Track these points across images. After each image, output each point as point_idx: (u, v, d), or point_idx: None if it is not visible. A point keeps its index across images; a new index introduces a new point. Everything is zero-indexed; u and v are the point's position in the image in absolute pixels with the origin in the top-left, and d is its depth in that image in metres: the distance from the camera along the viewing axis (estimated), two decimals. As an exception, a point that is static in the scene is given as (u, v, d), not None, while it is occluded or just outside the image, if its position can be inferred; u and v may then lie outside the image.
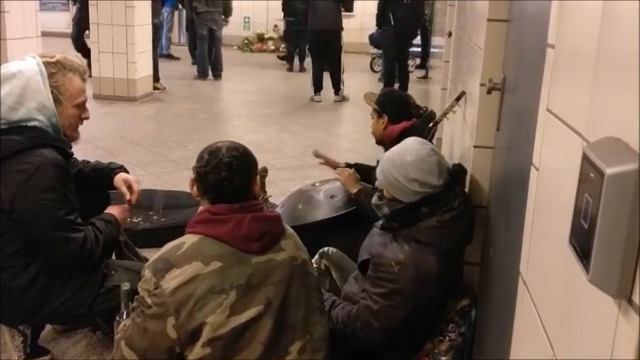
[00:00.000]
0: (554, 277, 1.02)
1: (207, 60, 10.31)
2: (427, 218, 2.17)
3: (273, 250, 1.90)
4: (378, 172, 2.30)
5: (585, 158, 0.77)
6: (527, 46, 1.84)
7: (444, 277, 2.17)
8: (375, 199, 2.35)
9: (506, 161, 2.15)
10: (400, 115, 3.28)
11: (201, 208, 1.96)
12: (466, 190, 2.44)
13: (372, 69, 11.87)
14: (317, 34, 8.92)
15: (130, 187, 2.64)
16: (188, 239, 1.85)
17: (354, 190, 3.19)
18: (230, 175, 1.87)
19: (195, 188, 1.95)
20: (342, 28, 8.95)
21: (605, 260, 0.71)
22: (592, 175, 0.74)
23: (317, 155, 3.78)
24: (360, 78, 10.87)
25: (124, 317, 2.06)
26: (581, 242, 0.77)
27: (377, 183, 2.36)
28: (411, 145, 2.26)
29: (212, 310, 1.76)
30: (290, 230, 2.04)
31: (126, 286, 2.13)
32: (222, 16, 10.44)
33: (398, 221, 2.21)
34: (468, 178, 2.48)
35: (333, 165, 3.65)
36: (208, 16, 10.10)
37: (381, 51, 10.81)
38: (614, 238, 0.70)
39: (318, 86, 9.01)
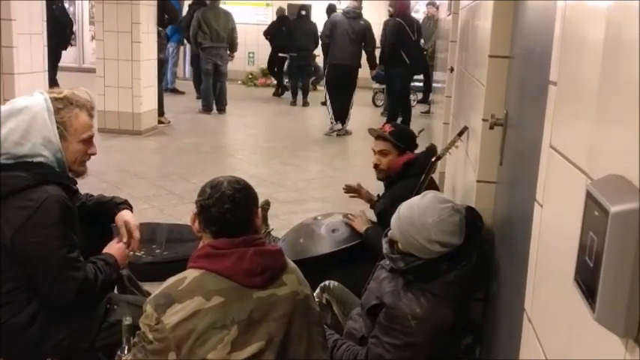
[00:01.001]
0: (560, 315, 1.02)
1: (212, 94, 10.39)
2: (445, 274, 2.14)
3: (275, 284, 1.89)
4: (394, 226, 2.23)
5: (589, 196, 0.77)
6: (529, 83, 1.86)
7: (459, 323, 2.17)
8: (386, 250, 2.30)
9: (509, 196, 2.15)
10: (414, 147, 3.33)
11: (202, 243, 1.96)
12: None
13: (374, 103, 11.95)
14: (335, 68, 9.06)
15: (129, 232, 2.57)
16: (190, 274, 1.85)
17: (363, 229, 3.20)
18: (233, 207, 1.88)
19: (196, 223, 1.95)
20: (359, 66, 9.09)
21: (612, 299, 0.70)
22: (596, 213, 0.74)
23: (348, 190, 3.77)
24: (363, 112, 10.94)
25: (126, 352, 2.04)
26: (587, 280, 0.77)
27: (390, 234, 2.30)
28: (432, 204, 2.17)
29: (213, 345, 1.75)
30: (292, 265, 2.03)
31: (128, 320, 2.12)
32: (228, 52, 10.54)
33: (414, 276, 2.17)
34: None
35: (366, 198, 3.67)
36: (214, 51, 10.20)
37: (383, 86, 10.95)
38: (620, 277, 0.69)
39: (338, 115, 9.08)
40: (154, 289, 1.96)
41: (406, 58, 8.71)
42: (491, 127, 2.21)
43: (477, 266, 2.17)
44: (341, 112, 9.10)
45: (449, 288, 2.13)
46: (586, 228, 0.79)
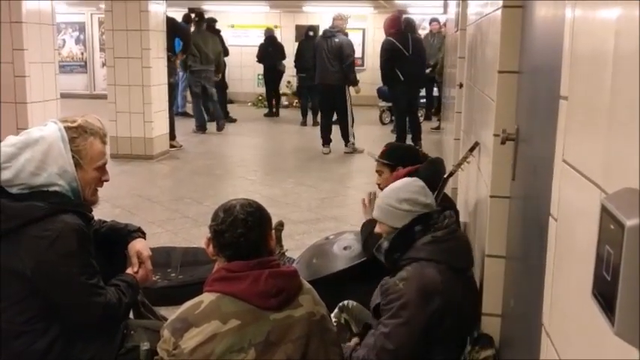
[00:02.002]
0: (578, 329, 1.01)
1: (204, 114, 10.69)
2: (421, 237, 2.30)
3: (291, 306, 1.89)
4: (374, 209, 2.50)
5: (604, 210, 0.77)
6: (540, 97, 1.86)
7: (450, 293, 2.21)
8: (376, 246, 2.47)
9: (523, 211, 2.15)
10: (415, 162, 3.32)
11: (216, 266, 1.98)
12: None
13: (381, 121, 11.93)
14: (323, 88, 9.24)
15: (140, 263, 2.55)
16: (206, 298, 1.86)
17: (367, 217, 3.25)
18: (246, 231, 1.89)
19: (210, 247, 1.97)
20: (346, 84, 9.08)
21: (631, 312, 0.70)
22: (612, 226, 0.74)
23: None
24: (372, 130, 10.98)
25: (144, 378, 2.05)
26: (605, 294, 0.77)
27: (377, 227, 2.49)
28: (401, 179, 2.58)
29: None
30: (308, 285, 2.03)
31: (145, 346, 2.12)
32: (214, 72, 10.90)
33: (398, 249, 2.33)
34: (486, 227, 2.48)
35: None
36: (203, 73, 10.51)
37: (389, 104, 11.05)
38: (639, 290, 0.69)
39: (325, 138, 9.18)
40: (170, 313, 1.97)
41: (400, 75, 8.74)
42: (503, 142, 2.22)
43: (454, 233, 2.36)
44: (342, 131, 9.14)
45: (428, 248, 2.29)
46: (602, 242, 0.79)
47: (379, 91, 11.09)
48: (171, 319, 1.87)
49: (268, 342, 1.80)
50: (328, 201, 6.43)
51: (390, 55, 8.78)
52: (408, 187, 2.43)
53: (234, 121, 11.94)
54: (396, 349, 2.17)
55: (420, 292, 2.18)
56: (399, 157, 3.36)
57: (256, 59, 13.22)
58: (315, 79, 9.31)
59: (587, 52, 1.10)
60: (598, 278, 0.80)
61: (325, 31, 9.22)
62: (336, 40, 8.95)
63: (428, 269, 2.24)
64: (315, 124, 11.81)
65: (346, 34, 9.29)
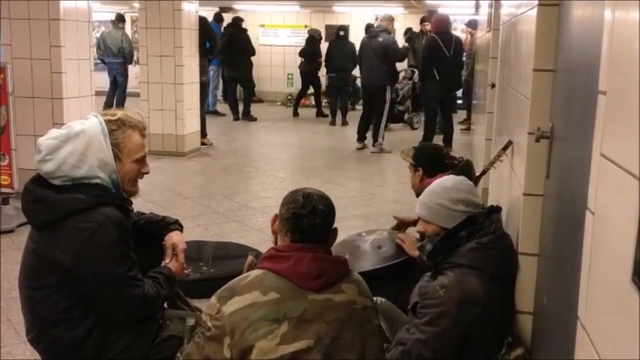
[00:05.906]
0: (616, 317, 1.03)
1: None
2: (466, 242, 2.27)
3: (331, 290, 1.97)
4: (420, 208, 2.43)
5: (646, 197, 0.79)
6: (576, 95, 1.87)
7: (490, 303, 2.20)
8: (418, 244, 2.46)
9: (557, 208, 2.15)
10: (433, 167, 3.31)
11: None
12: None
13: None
14: (364, 88, 9.44)
15: (174, 255, 2.63)
16: (254, 272, 2.00)
17: (415, 254, 3.17)
18: (322, 222, 2.02)
19: (277, 224, 2.09)
20: (389, 85, 9.15)
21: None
22: (653, 212, 0.76)
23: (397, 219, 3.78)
24: (402, 130, 10.96)
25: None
26: (645, 279, 0.78)
27: (419, 226, 2.47)
28: (445, 177, 2.52)
29: (263, 335, 1.86)
30: (357, 276, 2.11)
31: (191, 322, 2.26)
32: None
33: (441, 252, 2.29)
34: (519, 225, 2.48)
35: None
36: (111, 65, 11.61)
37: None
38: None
39: (361, 134, 9.35)
40: (202, 305, 2.05)
41: (437, 74, 8.74)
42: (537, 140, 2.22)
43: (499, 239, 2.31)
44: (374, 131, 9.20)
45: (471, 255, 2.25)
46: (643, 228, 0.80)
47: None
48: (220, 289, 2.00)
49: (302, 319, 1.90)
50: (357, 200, 6.46)
51: (431, 53, 8.79)
52: (460, 186, 2.40)
53: (254, 119, 12.17)
54: (434, 358, 2.18)
55: (459, 302, 2.17)
56: (421, 158, 3.38)
57: (323, 62, 12.81)
58: (361, 78, 9.50)
59: (626, 46, 1.11)
60: (638, 264, 0.81)
61: (370, 31, 9.31)
62: (380, 39, 8.98)
63: (469, 278, 2.21)
64: (344, 123, 11.83)
65: (389, 33, 9.28)
